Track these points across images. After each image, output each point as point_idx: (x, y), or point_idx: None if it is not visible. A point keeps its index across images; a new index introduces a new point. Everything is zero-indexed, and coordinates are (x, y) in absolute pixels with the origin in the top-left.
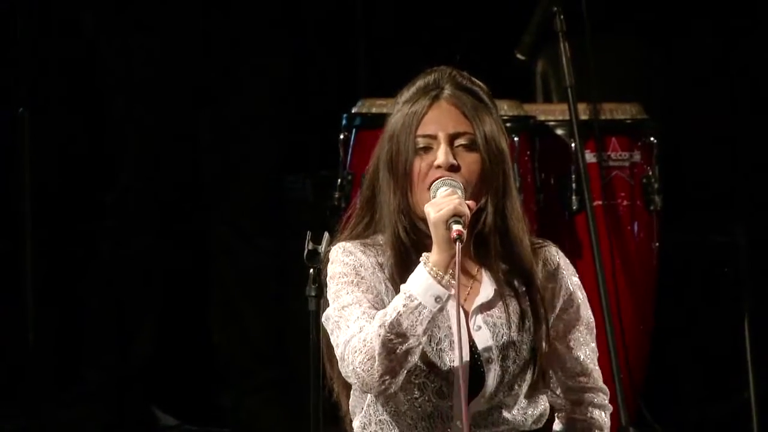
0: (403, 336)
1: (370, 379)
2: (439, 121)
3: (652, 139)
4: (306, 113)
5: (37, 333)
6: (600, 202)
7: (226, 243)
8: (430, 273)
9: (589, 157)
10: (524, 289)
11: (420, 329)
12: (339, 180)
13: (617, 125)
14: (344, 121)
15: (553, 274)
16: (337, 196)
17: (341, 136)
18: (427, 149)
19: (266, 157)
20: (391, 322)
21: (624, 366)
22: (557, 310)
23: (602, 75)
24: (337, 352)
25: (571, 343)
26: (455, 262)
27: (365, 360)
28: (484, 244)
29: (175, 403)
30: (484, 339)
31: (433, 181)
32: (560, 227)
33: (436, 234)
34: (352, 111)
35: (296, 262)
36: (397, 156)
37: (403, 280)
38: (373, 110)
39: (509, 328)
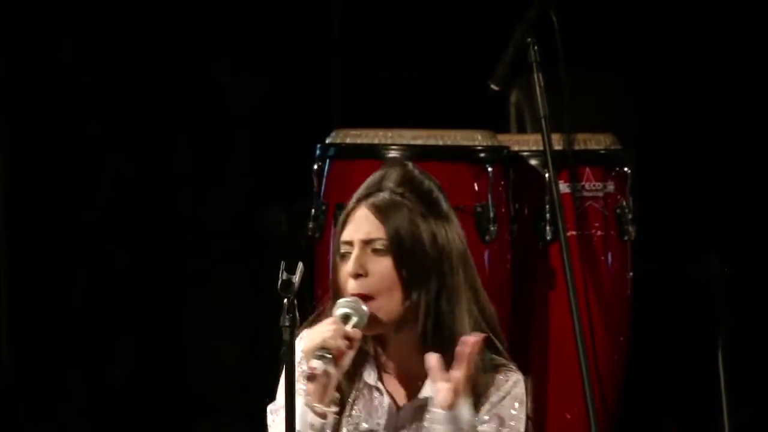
0: None
1: None
2: (356, 227)
3: (626, 169)
4: (280, 144)
5: (13, 359)
6: (574, 232)
7: (201, 275)
8: (305, 403)
9: (563, 187)
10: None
11: None
12: (313, 210)
13: (591, 155)
14: (318, 152)
15: (493, 401)
16: (311, 226)
17: (315, 167)
18: (346, 255)
19: (240, 189)
20: None
21: (598, 396)
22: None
23: (576, 105)
24: None
25: None
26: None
27: None
28: (428, 342)
29: None
30: None
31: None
32: (534, 257)
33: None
34: (326, 141)
35: (271, 293)
36: (333, 258)
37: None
38: (348, 140)
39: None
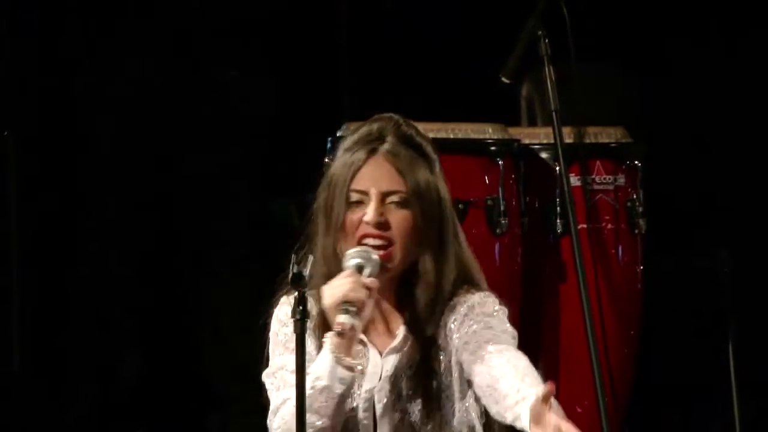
0: (316, 414)
1: None
2: (373, 177)
3: (636, 162)
4: (291, 137)
5: (23, 357)
6: (584, 226)
7: (212, 268)
8: (333, 356)
9: (574, 180)
10: (430, 341)
11: (330, 410)
12: None
13: (602, 149)
14: (329, 145)
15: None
16: None
17: (326, 160)
18: (360, 203)
19: (251, 182)
20: None
21: (609, 390)
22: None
23: (587, 99)
24: (269, 419)
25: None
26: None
27: None
28: (410, 293)
29: (161, 427)
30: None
31: (359, 240)
32: (545, 251)
33: (330, 319)
34: (337, 135)
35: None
36: (331, 205)
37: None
38: None
39: (402, 381)
